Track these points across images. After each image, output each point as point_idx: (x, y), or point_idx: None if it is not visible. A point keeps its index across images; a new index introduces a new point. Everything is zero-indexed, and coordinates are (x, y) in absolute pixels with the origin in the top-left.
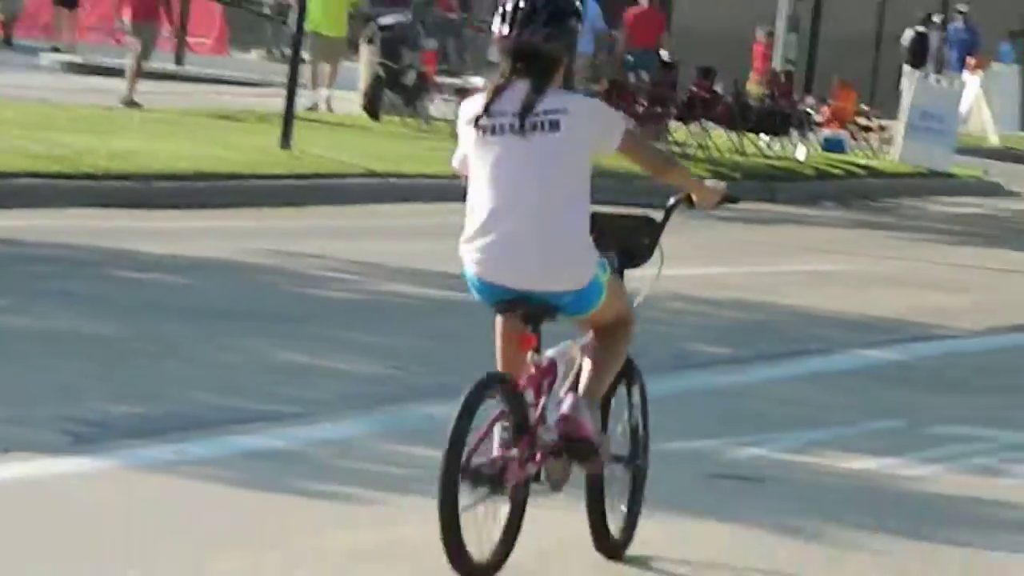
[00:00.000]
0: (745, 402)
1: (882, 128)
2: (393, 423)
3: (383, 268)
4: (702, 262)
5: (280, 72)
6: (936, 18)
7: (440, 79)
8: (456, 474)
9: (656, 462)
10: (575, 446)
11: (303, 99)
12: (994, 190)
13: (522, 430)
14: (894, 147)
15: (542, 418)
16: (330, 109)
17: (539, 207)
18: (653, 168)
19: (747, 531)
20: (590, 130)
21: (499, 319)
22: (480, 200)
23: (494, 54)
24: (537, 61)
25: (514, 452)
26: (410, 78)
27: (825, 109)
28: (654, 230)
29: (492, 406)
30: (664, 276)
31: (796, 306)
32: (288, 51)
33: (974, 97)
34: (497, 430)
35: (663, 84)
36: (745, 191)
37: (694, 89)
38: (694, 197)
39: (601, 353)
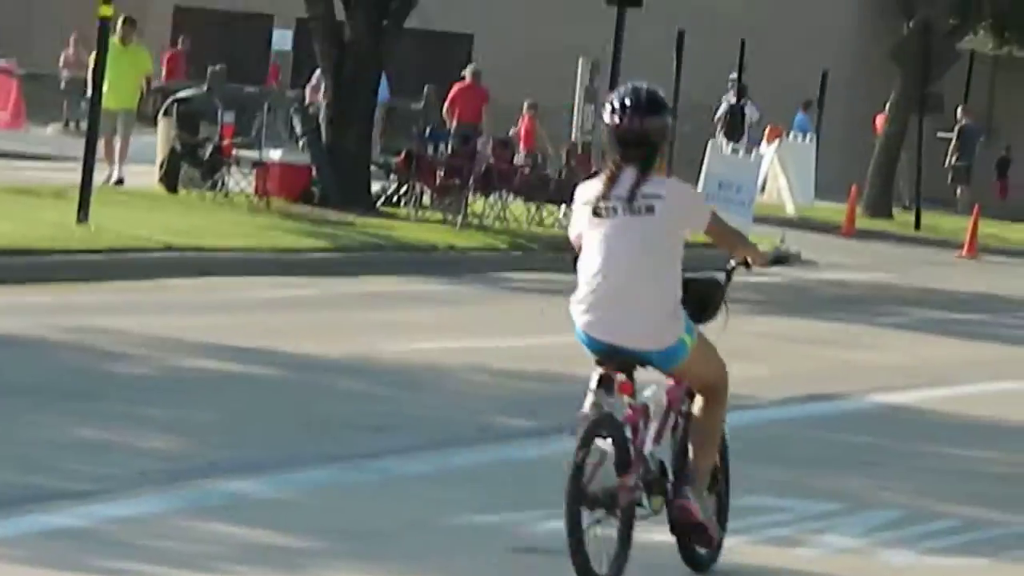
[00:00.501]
0: (547, 474)
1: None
2: (193, 499)
3: (181, 343)
4: (500, 333)
5: (77, 146)
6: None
7: (237, 152)
8: (579, 500)
9: (459, 536)
10: (688, 529)
11: (100, 174)
12: (792, 260)
13: (625, 462)
14: None
15: (640, 452)
16: (120, 182)
17: (633, 279)
18: (730, 244)
19: None
20: (681, 214)
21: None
22: (588, 269)
23: (605, 143)
24: (642, 147)
25: (621, 480)
26: (207, 151)
27: None
28: (720, 289)
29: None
30: (467, 348)
31: None
32: (84, 125)
33: (770, 167)
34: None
35: (461, 155)
36: (543, 262)
37: (492, 160)
38: (749, 259)
39: (700, 431)
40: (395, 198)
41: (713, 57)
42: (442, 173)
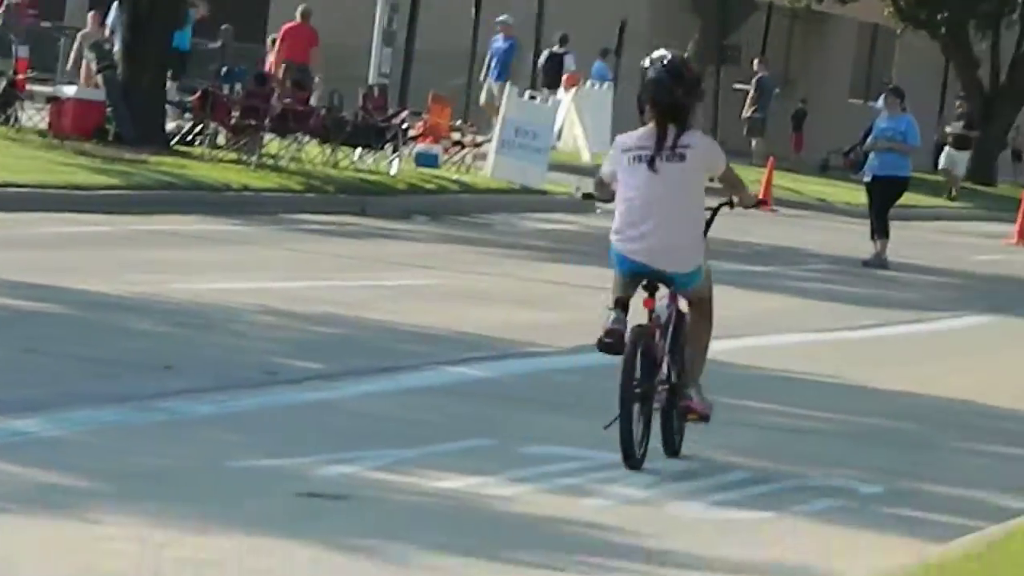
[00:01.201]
0: (336, 419)
1: (477, 144)
2: None
3: None
4: (291, 275)
5: None
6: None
7: (32, 87)
8: (632, 393)
9: (245, 479)
10: (689, 413)
11: None
12: (586, 208)
13: (654, 364)
14: (487, 163)
15: (661, 356)
16: None
17: (667, 214)
18: (733, 187)
19: (325, 552)
20: (706, 161)
21: (623, 288)
22: (631, 205)
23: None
24: (678, 109)
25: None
26: (0, 85)
27: (419, 124)
28: (706, 223)
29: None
30: (258, 289)
31: (387, 321)
32: None
33: (567, 114)
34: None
35: (256, 96)
36: (337, 205)
37: (287, 101)
38: (735, 199)
39: (696, 339)
40: (190, 137)
41: (512, 3)
42: (237, 113)
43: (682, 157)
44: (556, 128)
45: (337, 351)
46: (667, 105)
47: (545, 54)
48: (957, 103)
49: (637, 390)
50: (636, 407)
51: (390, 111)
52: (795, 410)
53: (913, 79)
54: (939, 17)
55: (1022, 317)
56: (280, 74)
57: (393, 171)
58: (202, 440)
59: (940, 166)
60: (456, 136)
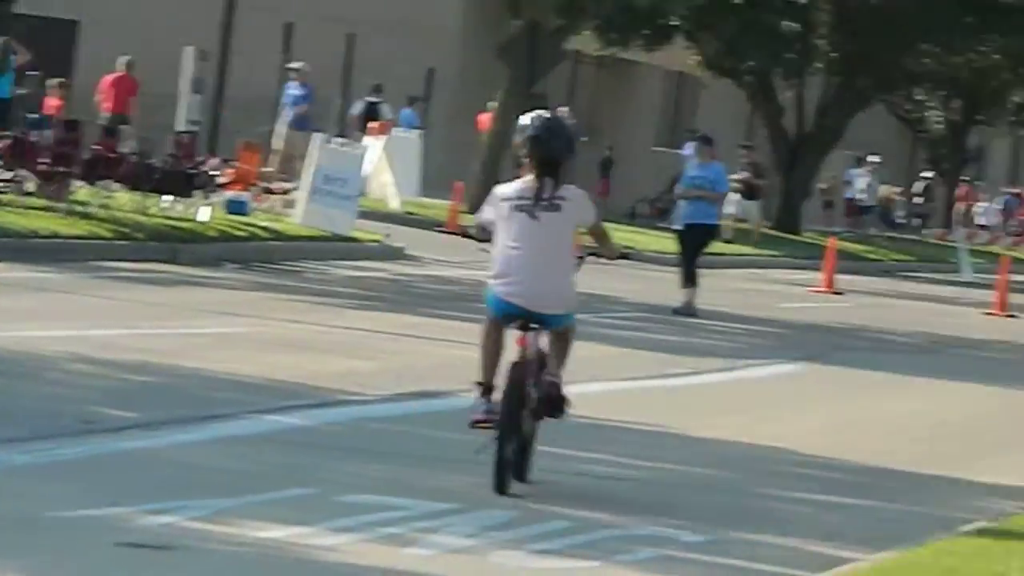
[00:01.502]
0: (154, 468)
1: (286, 191)
2: None
3: None
4: (103, 323)
5: None
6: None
7: None
8: (511, 424)
9: (65, 531)
10: (556, 399)
11: None
12: (396, 254)
13: (527, 397)
14: (297, 209)
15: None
16: None
17: (545, 262)
18: (600, 239)
19: None
20: (578, 212)
21: (495, 327)
22: (509, 252)
23: None
24: (554, 164)
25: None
26: None
27: (229, 170)
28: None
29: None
30: (70, 336)
31: (202, 369)
32: None
33: (376, 161)
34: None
35: (66, 143)
36: (147, 252)
37: (97, 148)
38: (605, 253)
39: (561, 349)
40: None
41: (320, 51)
42: (47, 160)
43: (558, 208)
44: (365, 175)
45: (154, 399)
46: (545, 160)
47: (362, 104)
48: (743, 152)
49: (512, 425)
50: (510, 440)
51: (199, 158)
52: (614, 458)
53: (718, 127)
54: (744, 66)
55: (831, 365)
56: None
57: (202, 218)
58: (19, 492)
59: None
60: (265, 183)
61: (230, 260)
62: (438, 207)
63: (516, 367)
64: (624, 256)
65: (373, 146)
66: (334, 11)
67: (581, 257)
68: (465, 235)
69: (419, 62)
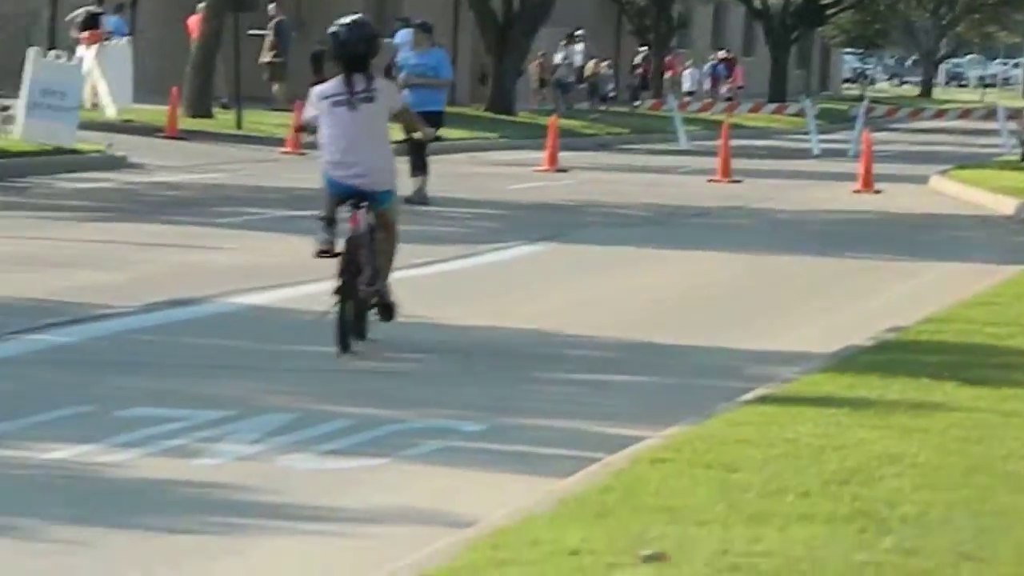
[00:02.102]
0: None
1: (4, 108)
2: None
3: None
4: None
5: None
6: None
7: None
8: (348, 290)
9: None
10: (382, 305)
11: None
12: (118, 163)
13: (360, 267)
14: (16, 125)
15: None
16: None
17: (368, 145)
18: (409, 122)
19: None
20: (389, 100)
21: (331, 203)
22: (335, 140)
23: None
24: (364, 60)
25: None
26: None
27: None
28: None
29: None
30: None
31: None
32: None
33: (88, 71)
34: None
35: None
36: None
37: None
38: (420, 134)
39: (385, 251)
40: None
41: None
42: None
43: (371, 99)
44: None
45: None
46: (353, 57)
47: (82, 12)
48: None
49: (349, 288)
50: (349, 303)
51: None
52: (376, 352)
53: (425, 13)
54: None
55: (568, 244)
56: None
57: None
58: None
59: None
60: None
61: None
62: (154, 113)
63: (350, 240)
64: (437, 139)
65: (86, 55)
66: None
67: (406, 140)
68: (301, 130)
69: None
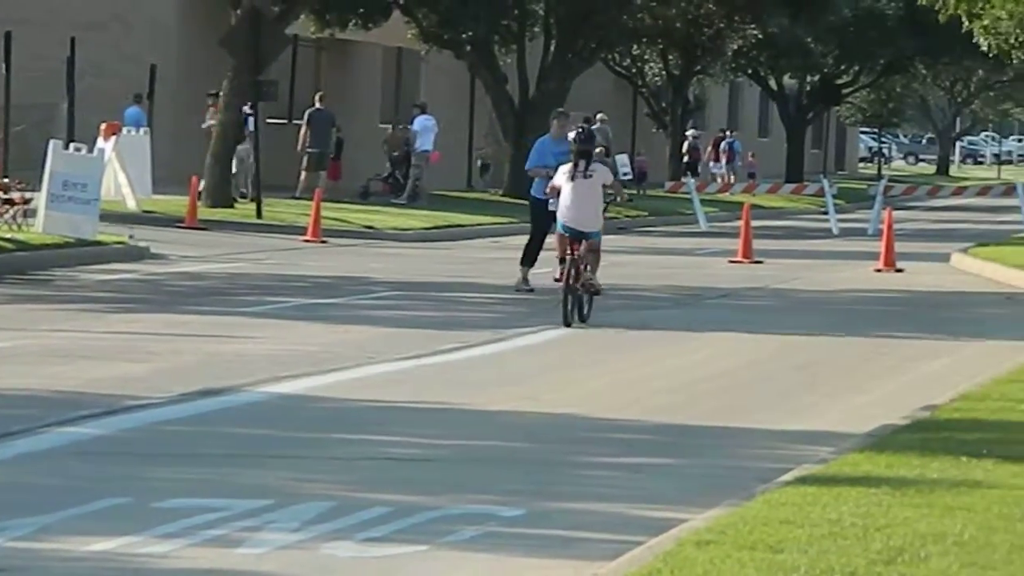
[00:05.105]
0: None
1: (26, 200)
2: None
3: None
4: None
5: None
6: None
7: None
8: (570, 289)
9: None
10: (593, 291)
11: None
12: (142, 254)
13: (579, 274)
14: (38, 218)
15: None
16: None
17: (589, 201)
18: (617, 188)
19: None
20: (604, 177)
21: (562, 238)
22: (568, 199)
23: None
24: (587, 155)
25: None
26: None
27: None
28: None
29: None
30: None
31: None
32: None
33: (108, 162)
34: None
35: None
36: None
37: None
38: (620, 198)
39: (593, 260)
40: None
41: (45, 55)
42: None
43: (591, 176)
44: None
45: None
46: (583, 153)
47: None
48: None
49: (571, 286)
50: (570, 297)
51: None
52: (412, 439)
53: (442, 99)
54: (463, 36)
55: (593, 328)
56: None
57: None
58: None
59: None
60: (4, 194)
61: None
62: (174, 203)
63: (572, 261)
64: (630, 200)
65: (106, 147)
66: (57, 12)
67: (609, 201)
68: (550, 194)
69: (140, 59)
